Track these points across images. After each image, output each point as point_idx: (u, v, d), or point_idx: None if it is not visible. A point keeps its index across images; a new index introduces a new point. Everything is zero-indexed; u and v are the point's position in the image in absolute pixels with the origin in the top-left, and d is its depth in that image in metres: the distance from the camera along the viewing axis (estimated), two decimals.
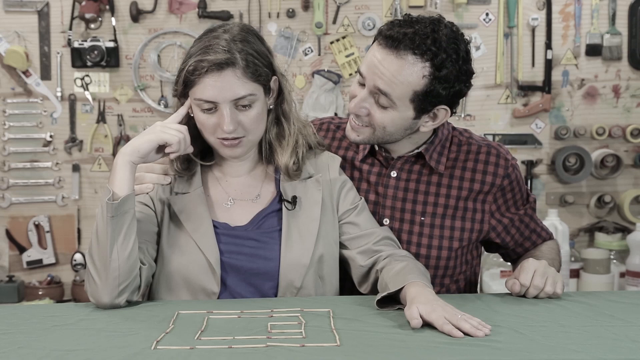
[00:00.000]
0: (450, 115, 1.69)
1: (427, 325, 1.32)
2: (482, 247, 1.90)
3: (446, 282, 1.78)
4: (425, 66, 1.57)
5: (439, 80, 1.58)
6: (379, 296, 1.47)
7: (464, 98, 3.03)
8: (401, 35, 1.58)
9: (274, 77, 1.61)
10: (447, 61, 1.58)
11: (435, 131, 1.76)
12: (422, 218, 1.75)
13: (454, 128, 1.83)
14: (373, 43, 1.66)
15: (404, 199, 1.76)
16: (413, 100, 1.61)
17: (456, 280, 1.79)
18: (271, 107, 1.64)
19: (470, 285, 1.85)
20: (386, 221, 1.76)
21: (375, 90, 1.61)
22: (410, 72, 1.58)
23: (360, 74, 1.65)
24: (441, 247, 1.74)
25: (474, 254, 1.82)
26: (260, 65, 1.56)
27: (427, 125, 1.69)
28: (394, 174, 1.77)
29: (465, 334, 1.28)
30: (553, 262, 1.74)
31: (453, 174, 1.76)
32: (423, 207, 1.75)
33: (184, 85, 1.57)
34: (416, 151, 1.76)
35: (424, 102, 1.61)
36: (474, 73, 1.66)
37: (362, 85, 1.65)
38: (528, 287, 1.55)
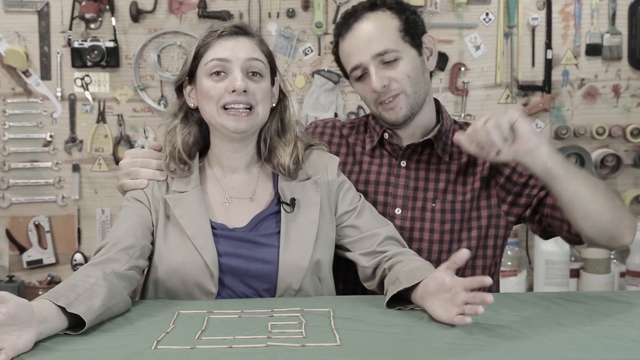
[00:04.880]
0: (436, 43, 1.81)
1: (428, 325, 1.33)
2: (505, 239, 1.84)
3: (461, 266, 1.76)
4: (385, 11, 1.73)
5: (403, 11, 1.74)
6: (394, 291, 1.43)
7: (464, 97, 3.06)
8: (351, 10, 1.76)
9: (277, 79, 1.63)
10: (392, 2, 1.75)
11: (440, 120, 1.81)
12: (433, 205, 1.75)
13: (455, 122, 1.86)
14: (337, 46, 1.79)
15: (415, 187, 1.78)
16: (403, 37, 1.72)
17: (473, 266, 1.77)
18: (274, 104, 1.66)
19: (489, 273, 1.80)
20: (398, 211, 1.77)
21: (376, 58, 1.69)
22: (381, 19, 1.72)
23: (356, 67, 1.73)
24: (453, 230, 1.75)
25: (490, 242, 1.78)
26: (270, 55, 1.62)
27: (430, 63, 1.79)
28: (403, 163, 1.79)
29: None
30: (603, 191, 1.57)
31: (460, 161, 1.79)
32: (434, 193, 1.77)
33: (194, 58, 1.59)
34: (425, 139, 1.78)
35: (411, 34, 1.73)
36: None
37: (362, 76, 1.73)
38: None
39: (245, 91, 1.55)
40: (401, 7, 1.75)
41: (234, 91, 1.55)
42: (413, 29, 1.74)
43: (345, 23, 1.74)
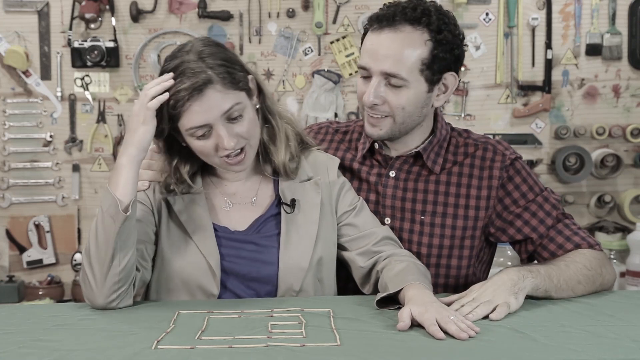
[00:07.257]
0: (458, 83, 1.72)
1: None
2: (492, 248, 1.85)
3: (451, 282, 1.77)
4: (424, 32, 1.63)
5: (440, 43, 1.63)
6: (378, 296, 1.47)
7: (464, 97, 3.05)
8: (392, 11, 1.64)
9: (250, 77, 1.59)
10: (441, 25, 1.64)
11: (433, 131, 1.78)
12: (422, 217, 1.75)
13: (452, 129, 1.83)
14: (365, 35, 1.71)
15: (403, 198, 1.76)
16: (422, 70, 1.64)
17: (465, 275, 1.77)
18: (257, 106, 1.62)
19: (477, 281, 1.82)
20: (387, 221, 1.76)
21: (384, 75, 1.64)
22: (412, 41, 1.62)
23: (363, 67, 1.67)
24: (442, 246, 1.74)
25: (475, 253, 1.78)
26: (234, 71, 1.53)
27: (439, 99, 1.72)
28: (392, 173, 1.77)
29: (452, 335, 1.27)
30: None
31: (451, 171, 1.76)
32: (423, 206, 1.75)
33: (171, 121, 1.52)
34: (414, 151, 1.76)
35: (432, 70, 1.64)
36: (464, 37, 1.72)
37: (367, 78, 1.67)
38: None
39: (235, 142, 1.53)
40: (440, 37, 1.63)
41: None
42: (437, 65, 1.64)
43: (379, 21, 1.66)
